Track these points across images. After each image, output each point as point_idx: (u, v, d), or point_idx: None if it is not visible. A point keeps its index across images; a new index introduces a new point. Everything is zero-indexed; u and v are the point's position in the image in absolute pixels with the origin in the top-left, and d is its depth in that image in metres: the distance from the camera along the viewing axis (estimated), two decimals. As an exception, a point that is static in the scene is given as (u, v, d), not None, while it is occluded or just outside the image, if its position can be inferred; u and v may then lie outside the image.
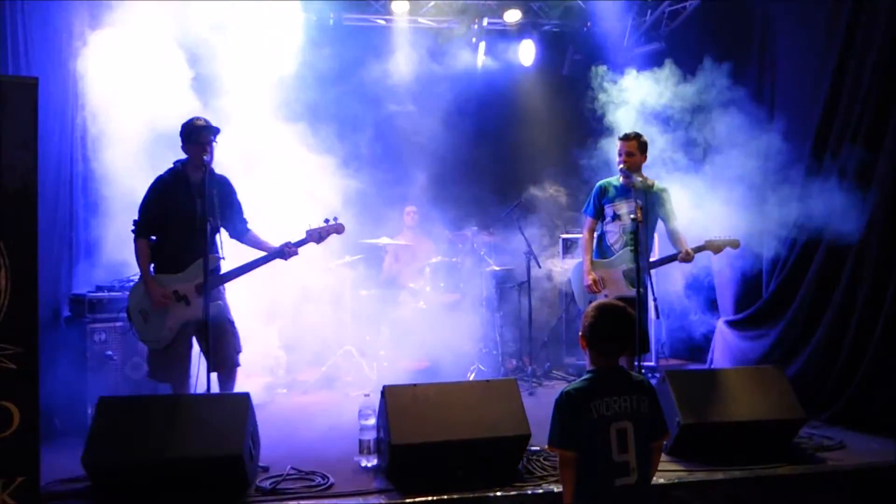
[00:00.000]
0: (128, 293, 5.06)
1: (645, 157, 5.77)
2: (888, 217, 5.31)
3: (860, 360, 5.40)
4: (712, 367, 6.91)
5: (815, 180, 5.80)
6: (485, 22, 8.71)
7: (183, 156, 5.04)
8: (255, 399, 4.45)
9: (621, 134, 5.82)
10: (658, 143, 6.58)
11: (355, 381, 6.96)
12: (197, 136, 4.91)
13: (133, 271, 5.85)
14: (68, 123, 6.30)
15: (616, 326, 2.93)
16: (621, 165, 5.74)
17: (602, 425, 2.81)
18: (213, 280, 4.86)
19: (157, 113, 6.17)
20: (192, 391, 4.98)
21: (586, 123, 7.75)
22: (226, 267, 5.08)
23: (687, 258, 5.53)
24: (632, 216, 5.33)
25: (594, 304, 3.02)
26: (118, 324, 5.67)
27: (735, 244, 5.54)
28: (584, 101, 7.41)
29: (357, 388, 6.71)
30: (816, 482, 4.38)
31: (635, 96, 6.89)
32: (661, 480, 4.15)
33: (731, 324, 7.07)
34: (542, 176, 8.67)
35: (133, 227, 4.98)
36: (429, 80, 8.59)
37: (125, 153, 6.25)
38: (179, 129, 5.01)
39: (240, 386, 5.15)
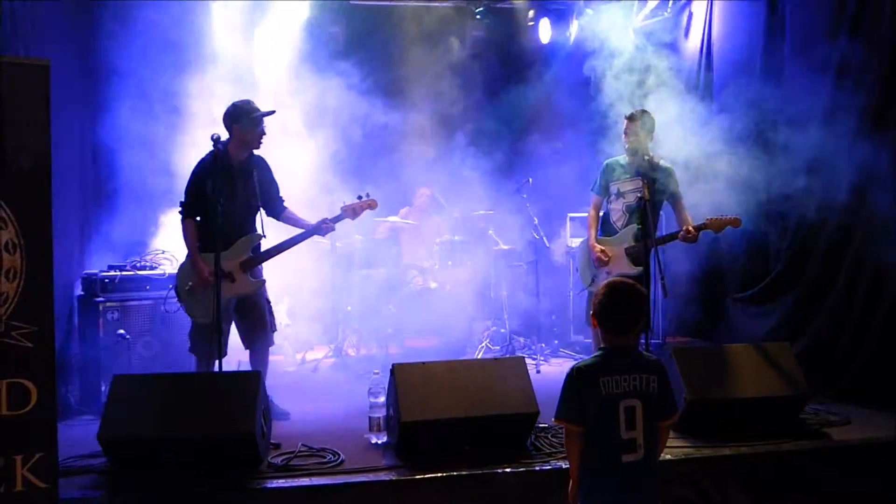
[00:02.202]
0: (141, 272, 5.15)
1: (651, 137, 5.74)
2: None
3: (866, 336, 5.43)
4: (719, 343, 6.94)
5: (825, 150, 5.77)
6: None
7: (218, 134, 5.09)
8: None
9: (628, 113, 5.81)
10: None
11: (364, 358, 7.01)
12: (254, 118, 5.06)
13: (146, 252, 5.94)
14: (83, 103, 6.32)
15: (627, 304, 2.95)
16: (627, 144, 5.75)
17: (611, 402, 2.84)
18: (256, 257, 5.12)
19: (173, 92, 6.20)
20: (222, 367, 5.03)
21: (595, 98, 7.73)
22: (265, 245, 5.24)
23: (688, 236, 5.44)
24: (638, 194, 5.34)
25: (605, 282, 3.05)
26: (131, 303, 5.73)
27: (737, 223, 5.39)
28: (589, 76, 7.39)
29: (366, 365, 6.77)
30: (822, 457, 4.42)
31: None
32: (668, 457, 4.19)
33: (738, 300, 7.09)
34: (551, 152, 8.67)
35: (180, 209, 5.11)
36: (438, 58, 8.57)
37: (140, 133, 6.28)
38: (230, 108, 5.09)
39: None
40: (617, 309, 2.95)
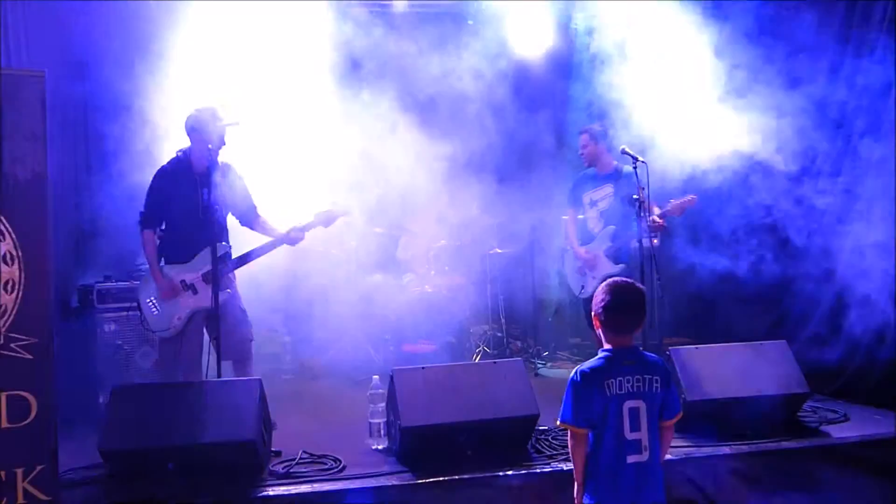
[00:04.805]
0: (136, 283, 5.11)
1: (602, 145, 6.04)
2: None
3: (864, 333, 5.44)
4: (717, 343, 6.95)
5: (820, 147, 5.80)
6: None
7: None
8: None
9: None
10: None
11: (362, 365, 7.01)
12: (205, 126, 4.92)
13: (141, 261, 5.89)
14: (77, 112, 6.31)
15: (629, 304, 2.97)
16: (584, 160, 6.17)
17: (615, 404, 2.85)
18: (220, 268, 4.87)
19: (168, 102, 6.18)
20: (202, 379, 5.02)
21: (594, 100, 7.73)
22: (234, 255, 5.11)
23: (654, 224, 5.49)
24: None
25: (605, 282, 3.05)
26: (127, 313, 5.70)
27: (692, 200, 5.55)
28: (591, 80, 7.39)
29: (365, 372, 6.75)
30: (821, 455, 4.44)
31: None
32: (668, 456, 4.17)
33: (735, 299, 7.09)
34: (547, 156, 8.68)
35: (139, 219, 5.02)
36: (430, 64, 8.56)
37: (132, 144, 6.25)
38: (191, 116, 5.02)
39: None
40: (619, 309, 2.96)
